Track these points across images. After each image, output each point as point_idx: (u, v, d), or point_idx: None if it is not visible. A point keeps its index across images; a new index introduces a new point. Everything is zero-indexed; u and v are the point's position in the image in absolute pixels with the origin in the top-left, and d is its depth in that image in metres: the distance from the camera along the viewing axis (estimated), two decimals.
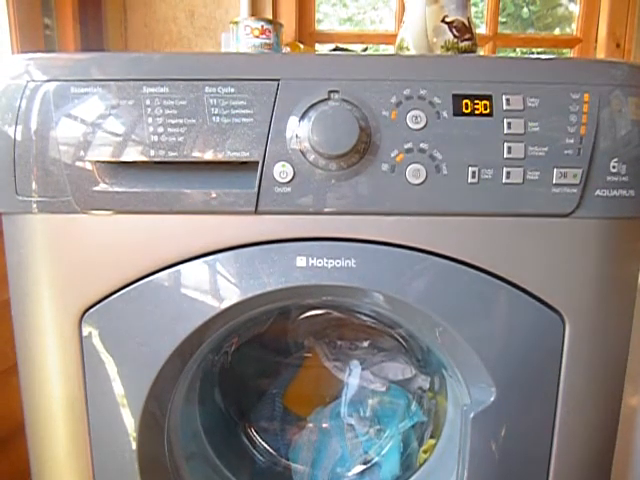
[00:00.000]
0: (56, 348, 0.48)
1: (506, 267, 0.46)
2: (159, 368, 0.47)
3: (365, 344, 0.72)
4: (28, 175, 0.44)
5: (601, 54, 1.10)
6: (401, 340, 0.70)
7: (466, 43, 0.62)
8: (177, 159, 0.44)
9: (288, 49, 0.87)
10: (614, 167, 0.44)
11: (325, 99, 0.44)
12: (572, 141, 0.44)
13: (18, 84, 0.44)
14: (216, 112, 0.44)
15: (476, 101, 0.44)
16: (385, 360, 0.70)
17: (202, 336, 0.49)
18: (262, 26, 0.69)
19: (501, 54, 1.21)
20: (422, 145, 0.44)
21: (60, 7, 0.91)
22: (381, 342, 0.72)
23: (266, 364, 0.74)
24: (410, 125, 0.44)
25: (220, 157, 0.44)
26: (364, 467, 0.69)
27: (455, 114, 0.44)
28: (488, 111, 0.44)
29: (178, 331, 0.47)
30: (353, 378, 0.69)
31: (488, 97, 0.44)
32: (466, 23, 0.62)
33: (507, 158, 0.44)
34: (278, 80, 0.44)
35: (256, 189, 0.44)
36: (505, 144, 0.44)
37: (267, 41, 0.69)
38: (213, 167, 0.45)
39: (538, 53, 1.27)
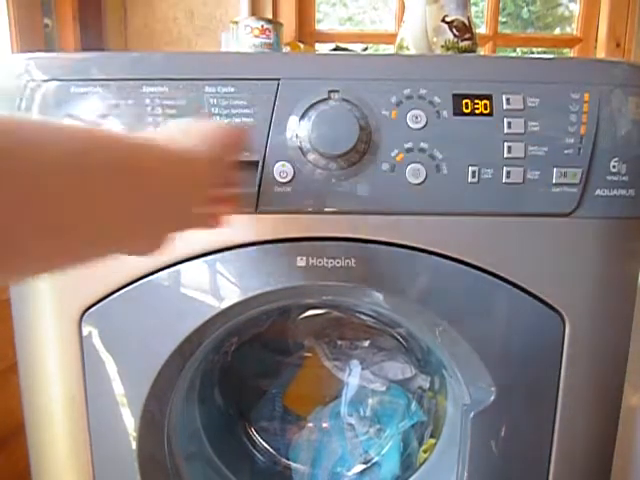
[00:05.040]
0: (56, 347, 0.48)
1: (506, 267, 0.46)
2: (159, 368, 0.47)
3: (365, 344, 0.72)
4: None
5: (601, 54, 1.10)
6: (401, 340, 0.70)
7: (466, 43, 0.62)
8: None
9: (288, 49, 0.87)
10: (614, 167, 0.44)
11: (325, 99, 0.44)
12: (572, 141, 0.44)
13: (18, 84, 0.44)
14: (216, 112, 0.44)
15: (476, 101, 0.44)
16: (385, 360, 0.70)
17: (202, 336, 0.49)
18: (262, 26, 0.69)
19: (501, 54, 1.21)
20: (422, 145, 0.44)
21: (60, 7, 0.91)
22: (381, 342, 0.71)
23: (266, 364, 0.74)
24: (410, 125, 0.44)
25: None
26: (364, 467, 0.69)
27: (455, 114, 0.44)
28: (488, 111, 0.44)
29: (178, 331, 0.47)
30: (353, 378, 0.69)
31: (488, 97, 0.44)
32: (466, 23, 0.61)
33: (507, 158, 0.44)
34: (278, 80, 0.44)
35: (256, 189, 0.44)
36: (505, 144, 0.44)
37: (267, 41, 0.69)
38: None
39: (538, 53, 1.27)
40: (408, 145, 0.44)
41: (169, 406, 0.52)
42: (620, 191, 0.45)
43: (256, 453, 0.71)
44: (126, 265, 0.46)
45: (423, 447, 0.64)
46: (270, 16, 1.01)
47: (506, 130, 0.43)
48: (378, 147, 0.44)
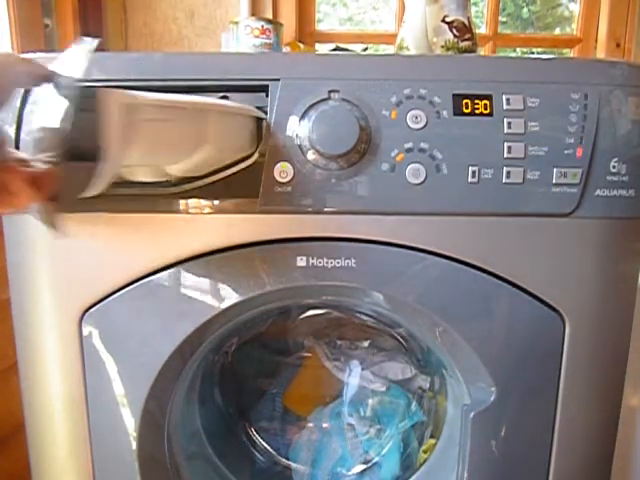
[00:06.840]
0: (56, 348, 0.48)
1: (506, 267, 0.46)
2: (159, 368, 0.47)
3: (365, 344, 0.72)
4: None
5: (601, 54, 1.10)
6: (401, 340, 0.70)
7: (466, 43, 0.62)
8: None
9: (288, 49, 0.87)
10: (614, 167, 0.44)
11: (325, 99, 0.44)
12: (572, 141, 0.44)
13: None
14: None
15: (476, 101, 0.44)
16: (385, 360, 0.70)
17: (202, 336, 0.49)
18: (262, 26, 0.69)
19: (501, 54, 1.21)
20: (422, 145, 0.44)
21: (60, 7, 0.91)
22: (381, 342, 0.72)
23: (266, 364, 0.74)
24: (410, 125, 0.44)
25: None
26: (364, 467, 0.69)
27: (455, 114, 0.44)
28: (488, 111, 0.44)
29: (178, 331, 0.47)
30: (353, 378, 0.69)
31: (488, 97, 0.44)
32: (466, 23, 0.62)
33: (507, 158, 0.44)
34: (278, 80, 0.44)
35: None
36: (505, 144, 0.44)
37: (267, 41, 0.69)
38: None
39: (538, 53, 1.27)
40: (408, 145, 0.44)
41: (169, 406, 0.52)
42: (620, 191, 0.45)
43: (256, 453, 0.71)
44: (126, 265, 0.46)
45: (423, 447, 0.64)
46: (270, 16, 1.01)
47: (506, 130, 0.43)
48: (378, 147, 0.44)
